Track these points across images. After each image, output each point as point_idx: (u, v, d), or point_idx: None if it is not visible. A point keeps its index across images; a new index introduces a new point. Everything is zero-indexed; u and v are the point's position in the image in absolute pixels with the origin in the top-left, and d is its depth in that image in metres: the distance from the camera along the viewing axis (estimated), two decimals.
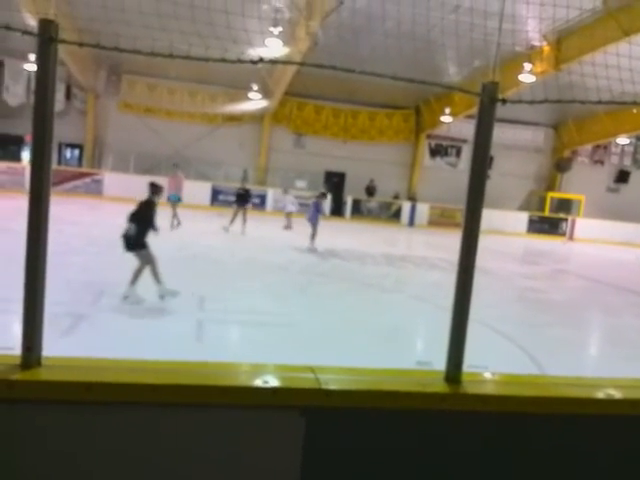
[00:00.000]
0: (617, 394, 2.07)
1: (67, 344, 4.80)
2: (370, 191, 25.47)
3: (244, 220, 15.26)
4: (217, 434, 1.81)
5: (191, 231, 14.67)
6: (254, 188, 23.99)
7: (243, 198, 15.55)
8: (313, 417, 1.82)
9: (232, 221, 15.21)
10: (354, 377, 2.02)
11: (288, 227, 16.90)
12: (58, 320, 5.40)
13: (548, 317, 8.64)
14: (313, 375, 1.92)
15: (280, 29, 14.06)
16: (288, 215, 17.00)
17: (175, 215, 14.56)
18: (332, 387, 1.86)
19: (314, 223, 13.14)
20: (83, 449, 1.76)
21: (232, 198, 17.35)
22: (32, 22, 12.36)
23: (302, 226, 14.49)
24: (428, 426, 1.94)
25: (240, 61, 2.06)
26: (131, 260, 10.02)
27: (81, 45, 1.98)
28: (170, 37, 2.97)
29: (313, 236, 13.16)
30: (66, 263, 7.90)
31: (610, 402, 2.04)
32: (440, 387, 1.98)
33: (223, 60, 2.04)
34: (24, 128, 21.76)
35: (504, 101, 1.99)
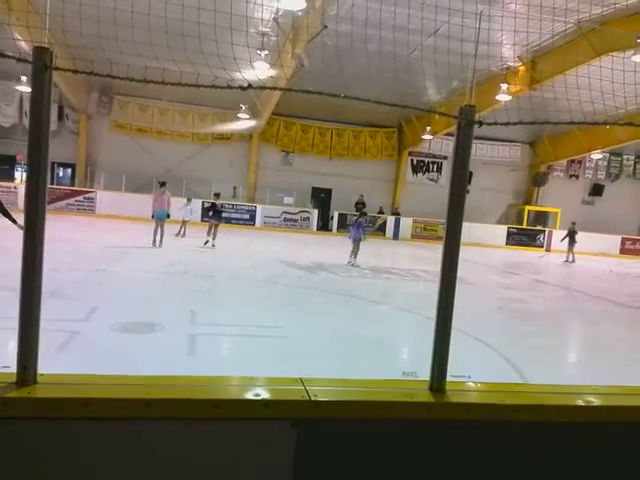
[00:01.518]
0: (596, 401, 2.10)
1: (61, 360, 4.83)
2: (358, 206, 26.06)
3: (214, 234, 15.79)
4: (210, 447, 1.82)
5: (181, 247, 15.01)
6: (244, 205, 24.53)
7: (217, 213, 16.38)
8: (304, 428, 1.85)
9: (210, 234, 15.79)
10: (342, 388, 2.05)
11: (180, 234, 17.34)
12: (52, 336, 5.28)
13: (529, 326, 8.81)
14: (303, 387, 1.94)
15: (266, 52, 14.59)
16: (184, 223, 17.46)
17: (161, 232, 14.68)
18: (321, 398, 1.88)
19: (356, 241, 14.03)
20: (80, 465, 1.76)
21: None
22: (25, 46, 12.72)
23: (198, 232, 15.11)
24: (415, 435, 1.97)
25: (230, 87, 2.13)
26: (124, 276, 10.33)
27: (76, 72, 2.03)
28: (162, 64, 3.14)
29: (355, 253, 14.05)
30: (59, 279, 7.94)
31: (589, 409, 2.07)
32: (425, 397, 2.01)
33: (213, 86, 2.11)
34: (16, 148, 22.04)
35: (481, 123, 2.05)
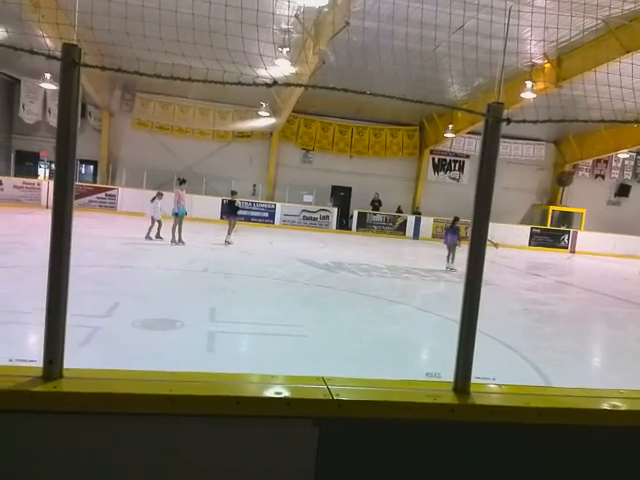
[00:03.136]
0: (622, 405, 2.07)
1: (84, 355, 4.89)
2: (375, 205, 25.97)
3: (229, 231, 15.75)
4: (232, 444, 1.83)
5: (201, 244, 15.11)
6: (264, 203, 24.59)
7: (234, 210, 16.33)
8: (325, 427, 1.85)
9: (230, 233, 15.77)
10: (365, 388, 2.04)
11: (153, 236, 15.11)
12: (75, 331, 5.52)
13: (552, 329, 8.73)
14: (325, 386, 1.94)
15: (288, 49, 14.58)
16: (154, 222, 15.18)
17: (179, 229, 14.62)
18: (344, 397, 1.88)
19: (452, 246, 14.53)
20: (104, 460, 1.78)
21: (241, 212, 17.88)
22: (50, 43, 12.90)
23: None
24: (438, 437, 1.95)
25: (256, 84, 2.11)
26: (144, 272, 10.43)
27: (103, 69, 2.02)
28: (188, 61, 3.15)
29: (452, 258, 14.50)
30: (81, 275, 7.98)
31: (615, 413, 2.05)
32: (449, 398, 1.99)
33: (239, 83, 2.07)
34: (40, 145, 22.43)
35: (509, 121, 2.02)
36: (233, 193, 16.85)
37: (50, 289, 1.82)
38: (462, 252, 15.60)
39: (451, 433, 1.96)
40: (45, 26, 12.73)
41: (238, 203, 17.31)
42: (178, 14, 3.55)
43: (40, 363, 1.83)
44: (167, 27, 3.64)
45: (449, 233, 14.96)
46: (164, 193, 15.64)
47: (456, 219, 14.99)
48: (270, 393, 1.88)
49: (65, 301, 1.84)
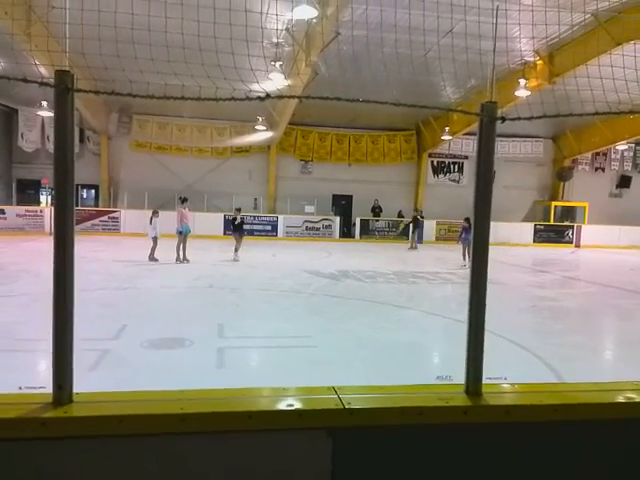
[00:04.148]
0: (637, 397, 2.07)
1: (94, 378, 4.89)
2: (376, 211, 25.98)
3: (236, 247, 15.75)
4: (246, 459, 1.82)
5: (206, 261, 15.10)
6: (266, 216, 24.65)
7: (238, 227, 16.32)
8: (339, 437, 1.83)
9: (237, 250, 15.77)
10: (376, 395, 2.03)
11: (154, 257, 14.67)
12: (84, 355, 5.46)
13: (562, 324, 8.69)
14: (336, 395, 1.93)
15: (280, 63, 14.66)
16: (155, 241, 14.76)
17: (183, 247, 14.58)
18: (355, 406, 1.87)
19: (467, 245, 14.86)
20: None
21: (244, 226, 17.92)
22: (44, 71, 12.98)
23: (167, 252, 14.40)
24: (452, 440, 1.94)
25: (249, 98, 2.11)
26: (151, 292, 10.43)
27: (97, 93, 2.03)
28: (181, 79, 3.16)
29: (468, 255, 14.45)
30: (87, 299, 8.02)
31: (631, 405, 2.04)
32: (462, 400, 1.98)
33: (232, 99, 2.09)
34: (40, 172, 22.60)
35: (503, 119, 2.03)
36: (238, 210, 16.89)
37: (55, 314, 1.82)
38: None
39: (465, 436, 1.95)
40: (38, 54, 12.82)
41: (245, 219, 17.22)
42: (168, 35, 3.58)
43: (50, 389, 1.82)
44: (158, 48, 3.67)
45: (469, 233, 15.06)
46: (159, 211, 15.43)
47: (467, 219, 15.22)
48: (282, 406, 1.86)
49: (71, 325, 1.84)
